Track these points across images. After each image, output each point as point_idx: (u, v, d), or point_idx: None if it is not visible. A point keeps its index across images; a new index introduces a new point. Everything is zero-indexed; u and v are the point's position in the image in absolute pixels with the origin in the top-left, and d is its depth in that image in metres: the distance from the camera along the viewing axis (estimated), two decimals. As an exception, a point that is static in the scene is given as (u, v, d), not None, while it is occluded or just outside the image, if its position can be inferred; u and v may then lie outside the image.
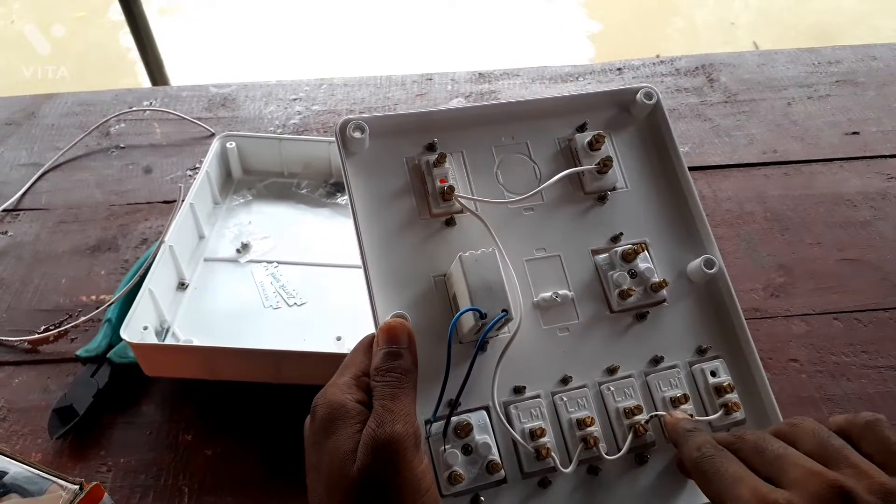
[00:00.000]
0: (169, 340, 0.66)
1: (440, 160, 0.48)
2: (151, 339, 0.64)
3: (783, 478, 0.35)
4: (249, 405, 0.65)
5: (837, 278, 0.76)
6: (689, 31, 2.95)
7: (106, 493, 0.50)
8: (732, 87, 1.01)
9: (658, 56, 1.08)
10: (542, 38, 2.76)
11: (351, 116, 0.48)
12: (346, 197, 0.80)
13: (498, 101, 0.52)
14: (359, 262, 0.66)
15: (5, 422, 0.65)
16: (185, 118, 0.96)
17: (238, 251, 0.75)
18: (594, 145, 0.51)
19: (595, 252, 0.50)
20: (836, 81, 1.02)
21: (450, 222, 0.48)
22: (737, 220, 0.82)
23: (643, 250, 0.48)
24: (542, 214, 0.50)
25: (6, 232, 0.82)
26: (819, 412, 0.65)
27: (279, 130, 0.95)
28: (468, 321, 0.43)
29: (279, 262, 0.75)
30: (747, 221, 0.82)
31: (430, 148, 0.49)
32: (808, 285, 0.75)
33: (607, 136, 0.52)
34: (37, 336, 0.71)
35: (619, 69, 1.05)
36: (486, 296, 0.43)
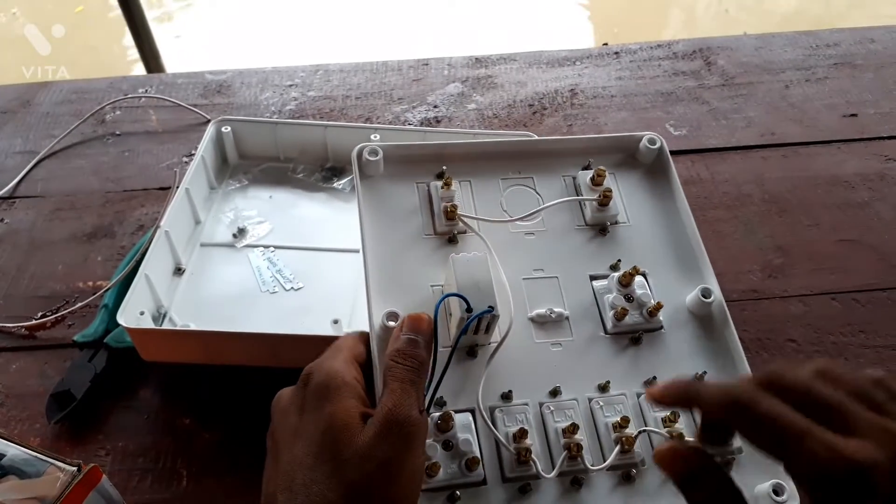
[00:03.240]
0: (166, 326, 0.66)
1: (447, 184, 0.51)
2: (148, 323, 0.63)
3: (848, 432, 0.30)
4: (247, 389, 0.65)
5: (835, 259, 0.76)
6: (687, 15, 2.94)
7: (104, 476, 0.50)
8: (730, 71, 1.01)
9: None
10: (539, 22, 2.75)
11: (366, 143, 0.52)
12: (342, 181, 0.82)
13: (508, 140, 0.56)
14: (355, 246, 0.67)
15: (3, 407, 0.65)
16: (180, 105, 0.96)
17: (234, 236, 0.75)
18: (596, 180, 0.53)
19: (593, 278, 0.51)
20: (834, 64, 1.01)
21: (452, 240, 0.50)
22: (734, 203, 0.82)
23: (638, 273, 0.49)
24: (543, 240, 0.52)
25: (2, 220, 0.82)
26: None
27: (275, 116, 0.95)
28: (457, 314, 0.44)
29: (276, 247, 0.75)
30: (745, 203, 0.82)
31: (440, 176, 0.52)
32: (805, 266, 0.75)
33: (611, 174, 0.54)
34: (34, 322, 0.71)
35: (616, 53, 1.05)
36: (474, 292, 0.43)
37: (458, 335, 0.44)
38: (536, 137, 0.57)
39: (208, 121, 0.92)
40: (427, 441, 0.42)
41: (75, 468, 0.48)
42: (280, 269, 0.72)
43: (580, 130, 0.92)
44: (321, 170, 0.82)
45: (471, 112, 0.95)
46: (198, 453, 0.61)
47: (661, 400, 0.37)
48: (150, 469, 0.60)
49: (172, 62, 1.94)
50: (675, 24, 2.90)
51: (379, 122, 0.93)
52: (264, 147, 0.83)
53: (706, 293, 0.49)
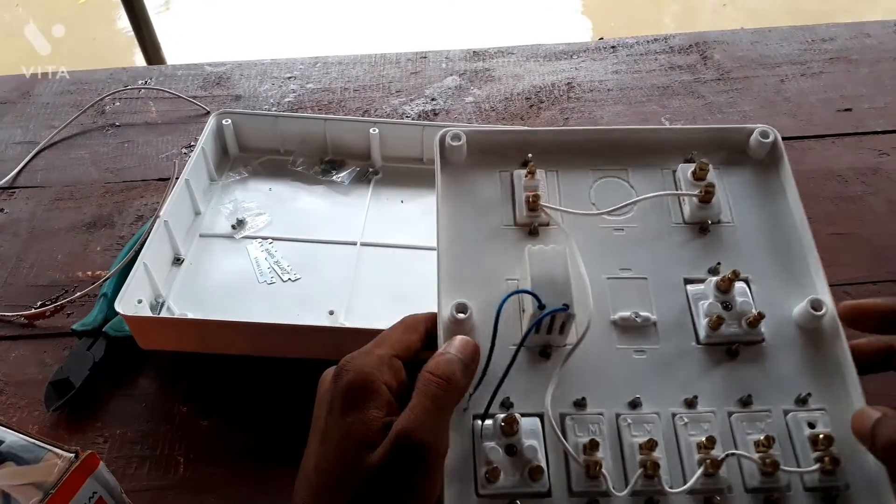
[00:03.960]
0: (164, 314, 0.67)
1: (531, 172, 0.48)
2: (145, 312, 0.64)
3: None
4: (244, 378, 0.66)
5: (828, 252, 0.75)
6: (684, 9, 2.94)
7: (101, 463, 0.50)
8: (726, 65, 1.01)
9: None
10: (536, 16, 2.75)
11: (449, 128, 0.49)
12: (341, 174, 0.82)
13: (603, 128, 0.50)
14: (353, 238, 0.66)
15: (2, 395, 0.65)
16: (180, 96, 0.96)
17: (234, 227, 0.76)
18: (698, 174, 0.48)
19: (688, 281, 0.46)
20: (830, 59, 1.02)
21: (533, 232, 0.47)
22: (729, 196, 0.82)
23: (737, 277, 0.44)
24: (634, 236, 0.48)
25: (2, 209, 0.83)
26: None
27: (274, 108, 0.95)
28: (529, 310, 0.41)
29: (274, 239, 0.75)
30: (739, 197, 0.82)
31: (525, 164, 0.49)
32: (798, 259, 0.76)
33: (717, 169, 0.49)
34: (33, 311, 0.72)
35: (612, 47, 1.05)
36: (549, 288, 0.41)
37: (527, 332, 0.41)
38: (636, 127, 0.52)
39: (207, 112, 0.93)
40: (489, 444, 0.39)
41: (73, 455, 0.49)
42: (278, 261, 0.73)
43: (576, 124, 0.92)
44: (320, 163, 0.83)
45: (468, 105, 0.95)
46: (195, 441, 0.62)
47: (858, 314, 0.42)
48: (147, 456, 0.61)
49: (172, 54, 1.94)
50: (672, 18, 2.90)
51: (377, 115, 0.94)
52: (265, 140, 0.83)
53: (817, 305, 0.43)
